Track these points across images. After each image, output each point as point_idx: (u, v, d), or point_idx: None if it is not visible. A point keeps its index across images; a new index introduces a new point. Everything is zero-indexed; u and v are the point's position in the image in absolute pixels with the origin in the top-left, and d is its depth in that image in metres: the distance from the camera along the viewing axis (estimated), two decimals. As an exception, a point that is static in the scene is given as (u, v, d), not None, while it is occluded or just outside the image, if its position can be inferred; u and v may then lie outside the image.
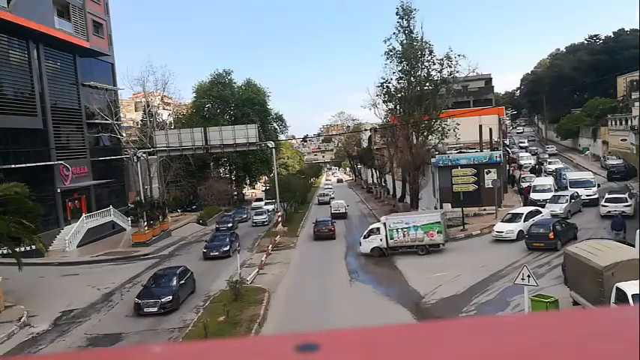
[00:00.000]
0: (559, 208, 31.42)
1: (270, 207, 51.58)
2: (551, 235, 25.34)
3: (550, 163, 54.77)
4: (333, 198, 60.33)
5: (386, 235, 28.51)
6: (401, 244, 28.45)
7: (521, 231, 27.95)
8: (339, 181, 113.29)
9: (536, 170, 53.23)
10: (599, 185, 37.44)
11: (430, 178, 39.32)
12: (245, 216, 50.34)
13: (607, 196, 32.41)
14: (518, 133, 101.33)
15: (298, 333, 0.79)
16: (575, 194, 33.87)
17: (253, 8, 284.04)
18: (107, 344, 17.90)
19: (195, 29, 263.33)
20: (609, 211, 30.01)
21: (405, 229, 28.40)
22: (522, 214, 29.45)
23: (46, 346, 18.43)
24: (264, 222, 45.13)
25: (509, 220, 29.30)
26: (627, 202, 30.88)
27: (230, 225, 42.86)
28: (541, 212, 29.82)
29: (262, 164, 64.54)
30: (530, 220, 28.46)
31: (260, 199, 62.21)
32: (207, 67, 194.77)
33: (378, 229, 29.21)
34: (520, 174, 50.94)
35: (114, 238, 40.57)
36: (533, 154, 64.79)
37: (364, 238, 29.57)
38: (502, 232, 28.45)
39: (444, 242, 28.43)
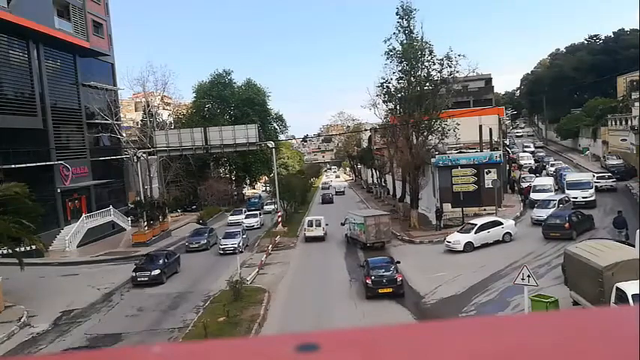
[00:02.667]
0: (545, 213, 30.72)
1: (254, 220, 44.76)
2: (566, 225, 26.85)
3: (552, 165, 54.58)
4: (331, 186, 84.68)
5: (348, 226, 33.72)
6: (353, 236, 32.89)
7: (469, 242, 27.43)
8: (337, 177, 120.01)
9: (537, 170, 53.08)
10: (596, 187, 36.62)
11: (430, 178, 39.29)
12: (205, 241, 34.68)
13: (596, 175, 40.71)
14: (517, 136, 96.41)
15: (298, 333, 0.79)
16: (565, 199, 33.01)
17: (254, 8, 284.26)
18: (107, 344, 17.92)
19: (195, 29, 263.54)
20: (601, 186, 38.90)
21: (354, 224, 32.83)
22: (476, 225, 28.58)
23: (46, 346, 18.43)
24: (235, 249, 31.63)
25: (466, 231, 28.52)
26: (612, 178, 40.84)
27: (157, 272, 25.95)
28: (502, 224, 28.64)
29: (262, 164, 64.52)
30: (485, 231, 27.89)
31: (239, 211, 50.36)
32: (208, 67, 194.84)
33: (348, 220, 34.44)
34: (520, 174, 50.93)
35: (114, 238, 40.59)
36: (537, 161, 61.78)
37: (342, 224, 35.31)
38: (450, 242, 28.13)
39: (366, 242, 30.71)
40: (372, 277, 20.92)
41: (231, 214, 49.59)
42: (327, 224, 36.41)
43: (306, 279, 25.56)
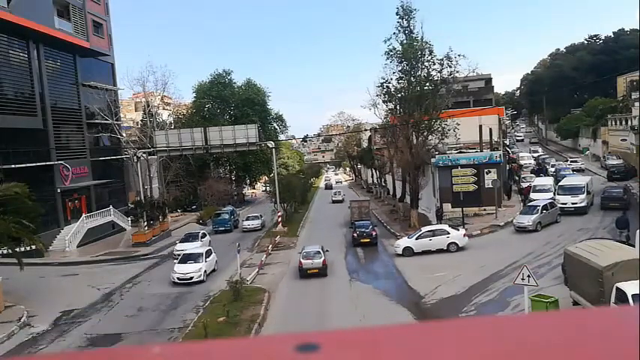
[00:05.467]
0: (527, 220, 29.87)
1: (192, 269, 25.16)
2: (625, 197, 32.46)
3: (552, 165, 54.47)
4: (332, 179, 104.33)
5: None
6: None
7: (407, 247, 27.93)
8: (336, 175, 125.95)
9: (541, 171, 52.45)
10: (589, 192, 34.13)
11: (430, 178, 39.29)
12: None
13: (570, 160, 52.26)
14: (518, 140, 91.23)
15: (298, 333, 0.79)
16: (550, 204, 31.60)
17: (254, 8, 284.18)
18: (107, 344, 17.90)
19: (195, 29, 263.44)
20: (573, 168, 49.03)
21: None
22: (420, 231, 29.16)
23: (46, 346, 18.43)
24: None
25: (410, 236, 29.35)
26: (582, 161, 54.16)
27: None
28: (448, 233, 28.19)
29: (262, 164, 64.54)
30: (427, 239, 27.95)
31: (195, 235, 34.08)
32: (208, 67, 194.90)
33: None
34: (520, 174, 50.89)
35: (114, 238, 40.58)
36: (539, 163, 58.62)
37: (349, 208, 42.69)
38: (394, 245, 29.46)
39: (351, 220, 39.11)
40: (357, 232, 32.62)
41: (180, 241, 33.03)
42: (344, 194, 62.66)
43: (306, 278, 25.51)
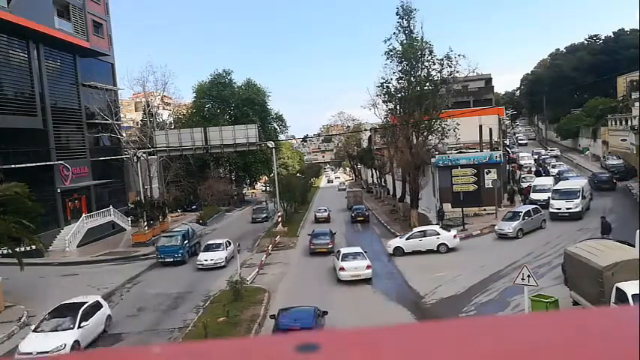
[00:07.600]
0: (507, 227, 29.40)
1: None
2: (614, 181, 40.29)
3: (554, 166, 54.31)
4: (331, 177, 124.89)
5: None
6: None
7: (398, 247, 28.68)
8: (336, 174, 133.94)
9: (543, 172, 52.08)
10: (584, 197, 33.16)
11: (430, 178, 39.29)
12: None
13: (549, 148, 60.44)
14: (521, 144, 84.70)
15: (298, 333, 0.79)
16: (533, 210, 30.93)
17: (254, 8, 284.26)
18: (107, 344, 17.90)
19: (195, 29, 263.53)
20: (550, 155, 62.52)
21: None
22: (411, 231, 29.98)
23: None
24: None
25: (402, 236, 30.32)
26: (557, 149, 64.10)
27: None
28: (438, 234, 28.71)
29: (262, 164, 64.57)
30: (417, 239, 28.47)
31: (68, 308, 18.09)
32: (208, 67, 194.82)
33: None
34: (520, 174, 50.88)
35: (114, 238, 40.57)
36: (540, 165, 57.61)
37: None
38: (386, 245, 30.33)
39: (347, 206, 51.64)
40: (354, 213, 44.13)
41: (42, 319, 18.08)
42: (346, 185, 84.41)
43: (306, 278, 25.53)
